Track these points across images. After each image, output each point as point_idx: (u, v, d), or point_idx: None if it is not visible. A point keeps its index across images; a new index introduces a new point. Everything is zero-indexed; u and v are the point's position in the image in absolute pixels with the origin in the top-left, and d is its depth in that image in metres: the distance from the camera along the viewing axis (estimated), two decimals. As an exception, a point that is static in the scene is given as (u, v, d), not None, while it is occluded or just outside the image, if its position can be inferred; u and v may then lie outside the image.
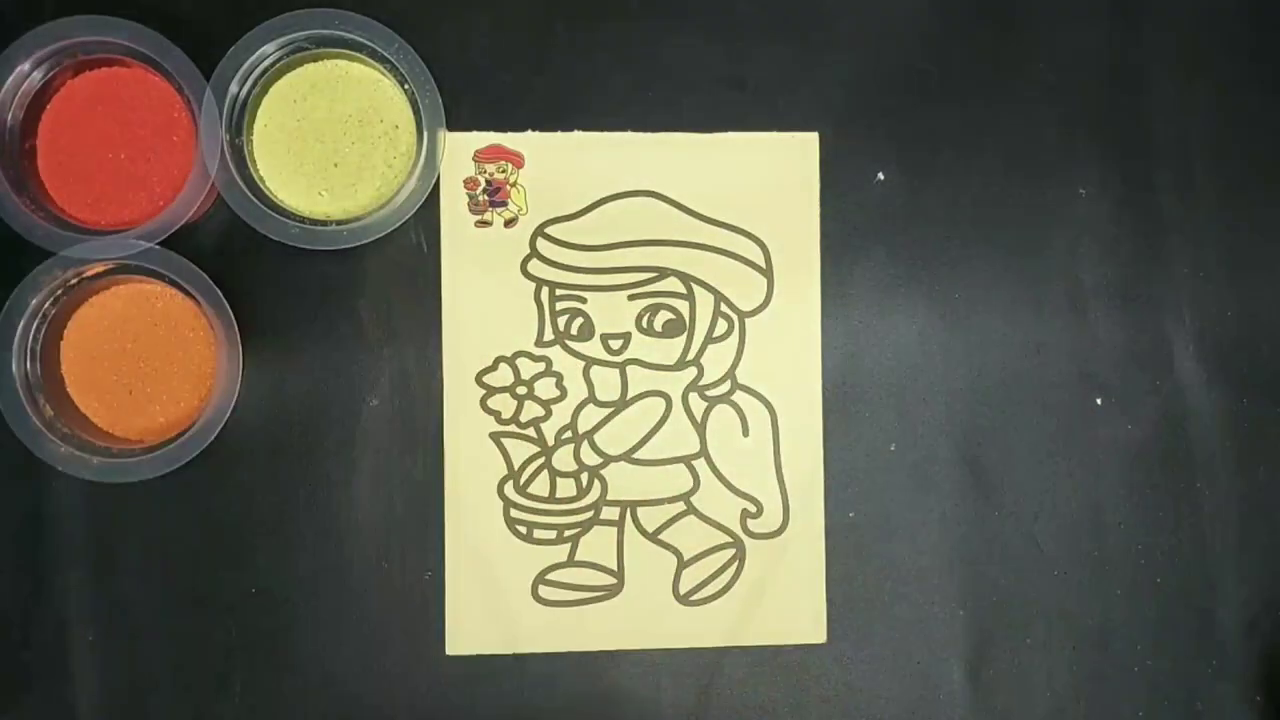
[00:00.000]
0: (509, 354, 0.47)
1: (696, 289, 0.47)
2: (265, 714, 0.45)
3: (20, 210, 0.43)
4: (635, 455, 0.47)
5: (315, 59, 0.45)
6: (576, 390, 0.47)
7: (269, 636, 0.45)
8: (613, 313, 0.47)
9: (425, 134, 0.45)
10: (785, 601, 0.47)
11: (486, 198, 0.47)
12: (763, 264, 0.47)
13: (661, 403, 0.47)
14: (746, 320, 0.47)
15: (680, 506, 0.47)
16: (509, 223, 0.47)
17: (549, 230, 0.47)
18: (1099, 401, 0.48)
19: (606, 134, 0.47)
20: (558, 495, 0.47)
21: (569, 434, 0.47)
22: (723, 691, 0.47)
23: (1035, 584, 0.48)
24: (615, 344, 0.47)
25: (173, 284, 0.44)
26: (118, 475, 0.43)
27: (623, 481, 0.47)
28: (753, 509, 0.47)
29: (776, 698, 0.47)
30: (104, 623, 0.45)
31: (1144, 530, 0.48)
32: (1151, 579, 0.48)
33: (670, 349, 0.47)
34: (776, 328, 0.47)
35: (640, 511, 0.47)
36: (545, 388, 0.47)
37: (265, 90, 0.45)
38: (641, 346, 0.47)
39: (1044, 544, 0.48)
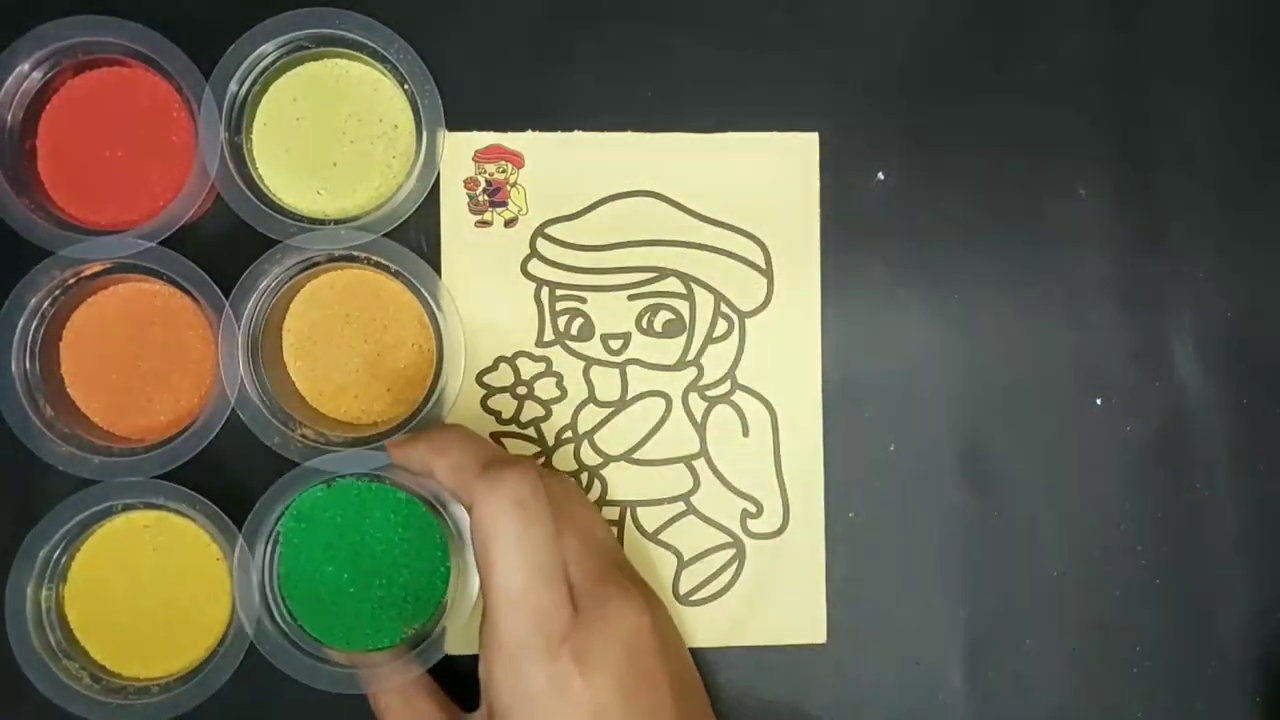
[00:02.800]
0: (509, 354, 0.47)
1: (696, 289, 0.47)
2: (265, 713, 0.45)
3: (20, 210, 0.43)
4: (635, 455, 0.47)
5: (315, 58, 0.45)
6: (576, 390, 0.47)
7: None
8: (613, 313, 0.47)
9: (425, 134, 0.45)
10: (785, 601, 0.47)
11: (486, 198, 0.47)
12: (763, 264, 0.47)
13: (661, 403, 0.47)
14: (746, 320, 0.47)
15: (680, 506, 0.47)
16: (509, 223, 0.47)
17: (549, 230, 0.47)
18: (1099, 401, 0.48)
19: (606, 134, 0.47)
20: (558, 495, 0.47)
21: (569, 434, 0.47)
22: (722, 691, 0.47)
23: (1035, 584, 0.48)
24: (615, 344, 0.47)
25: (172, 283, 0.44)
26: (118, 474, 0.43)
27: (623, 481, 0.47)
28: (753, 509, 0.47)
29: (776, 698, 0.47)
30: (104, 623, 0.45)
31: (1144, 530, 0.48)
32: (1151, 579, 0.48)
33: (670, 349, 0.47)
34: (776, 328, 0.47)
35: (640, 511, 0.47)
36: (545, 388, 0.47)
37: (265, 89, 0.45)
38: (641, 346, 0.47)
39: (1044, 544, 0.48)
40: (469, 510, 0.37)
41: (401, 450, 0.41)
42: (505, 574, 0.36)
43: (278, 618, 0.44)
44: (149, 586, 0.45)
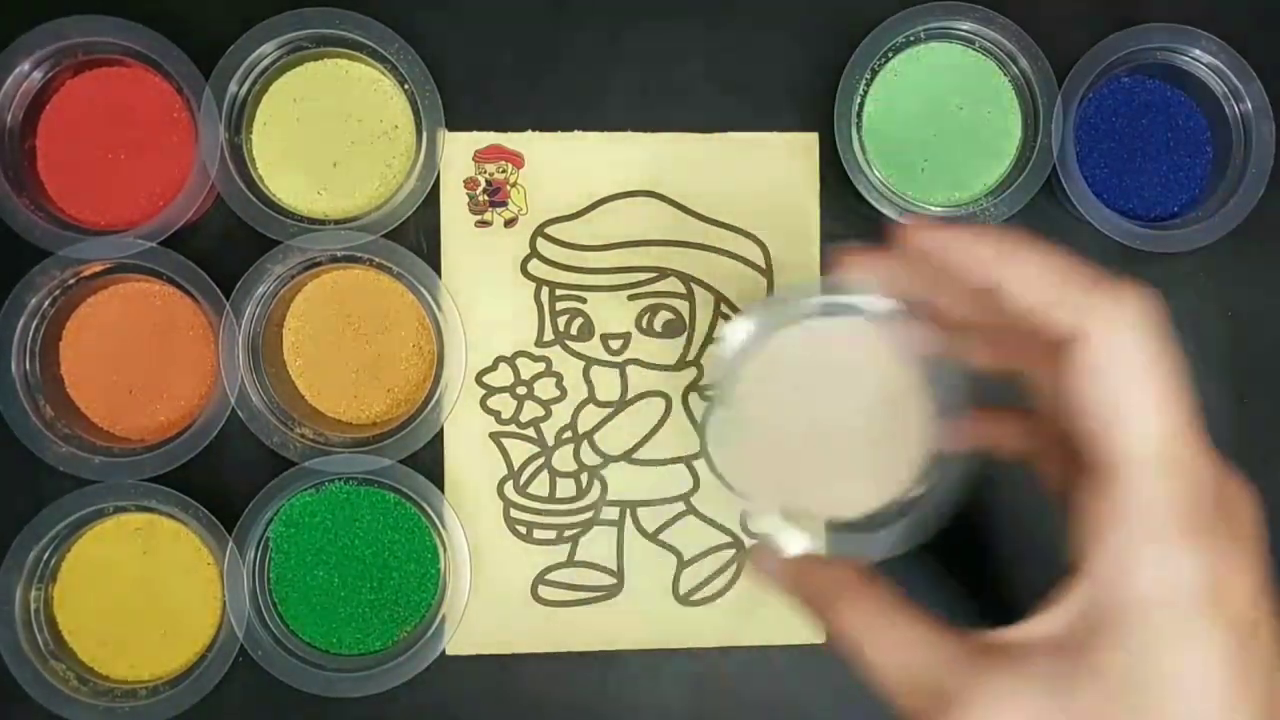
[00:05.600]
0: (509, 354, 0.47)
1: (696, 289, 0.47)
2: (265, 713, 0.45)
3: (20, 210, 0.43)
4: (635, 455, 0.47)
5: (315, 58, 0.45)
6: (576, 390, 0.47)
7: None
8: (613, 313, 0.47)
9: (425, 134, 0.45)
10: (785, 601, 0.47)
11: (486, 198, 0.47)
12: (763, 264, 0.47)
13: (661, 403, 0.47)
14: (746, 320, 0.47)
15: (680, 506, 0.47)
16: (509, 223, 0.47)
17: (549, 230, 0.47)
18: (1099, 401, 0.48)
19: (606, 134, 0.47)
20: (558, 495, 0.47)
21: (569, 434, 0.47)
22: (723, 691, 0.47)
23: (1035, 583, 0.48)
24: (615, 344, 0.47)
25: (172, 283, 0.44)
26: (119, 474, 0.43)
27: (623, 481, 0.47)
28: (753, 509, 0.47)
29: (776, 698, 0.47)
30: (103, 623, 0.45)
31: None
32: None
33: (670, 349, 0.47)
34: (776, 328, 0.47)
35: (640, 511, 0.47)
36: (545, 388, 0.47)
37: (265, 89, 0.45)
38: (641, 346, 0.47)
39: (1044, 543, 0.48)
40: (1073, 334, 0.26)
41: (954, 239, 0.28)
42: (1153, 419, 0.26)
43: (269, 622, 0.44)
44: (139, 589, 0.45)
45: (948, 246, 0.28)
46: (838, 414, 0.31)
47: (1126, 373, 0.26)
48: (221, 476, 0.45)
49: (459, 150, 0.46)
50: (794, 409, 0.31)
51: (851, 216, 0.47)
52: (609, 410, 0.47)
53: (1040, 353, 0.28)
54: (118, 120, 0.44)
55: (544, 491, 0.47)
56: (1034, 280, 0.27)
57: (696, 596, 0.47)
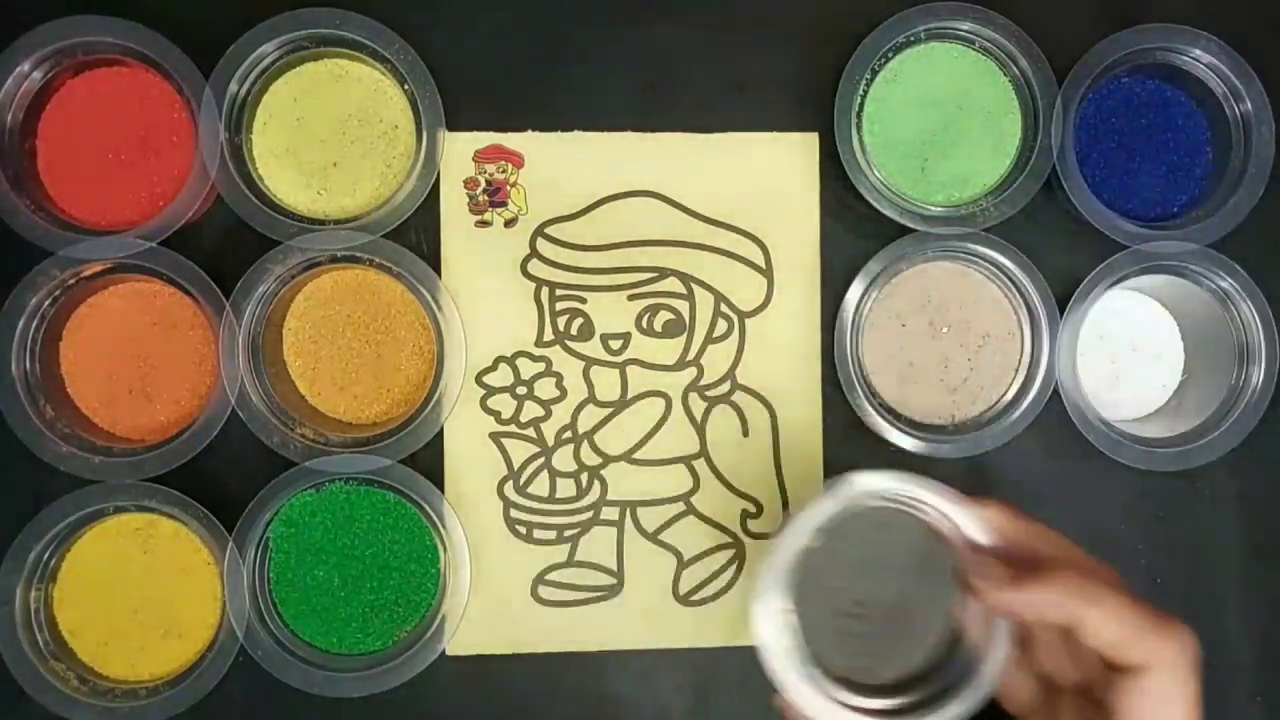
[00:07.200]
0: (509, 354, 0.47)
1: (696, 289, 0.47)
2: (265, 713, 0.45)
3: (20, 210, 0.43)
4: (635, 455, 0.47)
5: (315, 58, 0.45)
6: (576, 390, 0.47)
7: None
8: (613, 313, 0.47)
9: (425, 134, 0.45)
10: None
11: (486, 198, 0.47)
12: (763, 264, 0.47)
13: (661, 403, 0.47)
14: (746, 320, 0.47)
15: (680, 506, 0.47)
16: (509, 223, 0.47)
17: (549, 230, 0.47)
18: (1099, 401, 0.48)
19: (606, 134, 0.47)
20: (558, 495, 0.47)
21: (569, 434, 0.47)
22: (722, 691, 0.47)
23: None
24: (615, 344, 0.47)
25: (172, 283, 0.44)
26: (118, 474, 0.43)
27: (623, 481, 0.47)
28: (753, 509, 0.47)
29: (777, 698, 0.47)
30: (103, 623, 0.45)
31: (1144, 530, 0.48)
32: (1152, 579, 0.48)
33: (670, 349, 0.47)
34: (776, 328, 0.47)
35: (640, 511, 0.47)
36: (545, 388, 0.47)
37: (265, 89, 0.45)
38: (641, 346, 0.47)
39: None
40: (1139, 667, 0.32)
41: (1017, 594, 0.33)
42: None
43: (269, 621, 0.44)
44: (139, 589, 0.45)
45: (1030, 608, 0.32)
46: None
47: (1177, 700, 0.32)
48: (221, 476, 0.45)
49: (459, 150, 0.46)
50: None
51: (851, 216, 0.47)
52: (609, 410, 0.47)
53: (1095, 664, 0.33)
54: (118, 120, 0.44)
55: (544, 491, 0.47)
56: (1109, 625, 0.32)
57: (696, 596, 0.47)
